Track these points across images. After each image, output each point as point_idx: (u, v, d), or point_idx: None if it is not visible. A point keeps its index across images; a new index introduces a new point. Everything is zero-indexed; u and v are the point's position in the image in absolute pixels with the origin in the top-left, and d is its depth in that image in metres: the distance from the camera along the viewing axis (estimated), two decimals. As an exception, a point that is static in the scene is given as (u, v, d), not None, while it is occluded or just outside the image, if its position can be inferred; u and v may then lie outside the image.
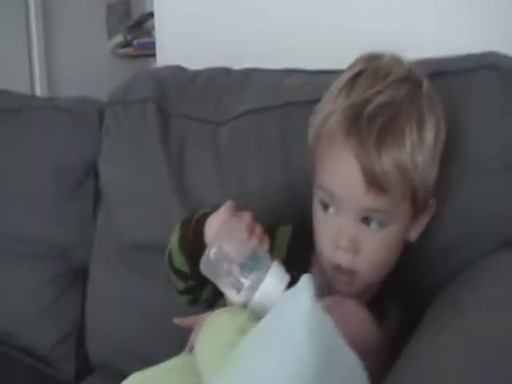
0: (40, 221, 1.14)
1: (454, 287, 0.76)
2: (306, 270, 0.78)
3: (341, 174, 0.69)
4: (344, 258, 0.71)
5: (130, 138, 1.03)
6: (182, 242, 0.78)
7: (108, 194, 1.07)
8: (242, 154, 0.93)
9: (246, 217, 0.70)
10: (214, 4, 1.65)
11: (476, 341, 0.60)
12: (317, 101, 0.76)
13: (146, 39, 2.79)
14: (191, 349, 0.70)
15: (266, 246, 0.70)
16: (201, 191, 0.94)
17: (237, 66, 1.10)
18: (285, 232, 0.82)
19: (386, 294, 0.78)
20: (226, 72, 1.03)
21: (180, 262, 0.79)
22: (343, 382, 0.52)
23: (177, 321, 0.75)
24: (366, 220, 0.70)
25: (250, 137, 0.93)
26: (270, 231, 0.81)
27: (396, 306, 0.78)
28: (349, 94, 0.70)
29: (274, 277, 0.67)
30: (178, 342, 0.77)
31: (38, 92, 2.53)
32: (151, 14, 2.26)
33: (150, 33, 2.73)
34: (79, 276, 1.14)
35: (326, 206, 0.72)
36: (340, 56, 0.77)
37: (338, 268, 0.72)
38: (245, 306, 0.67)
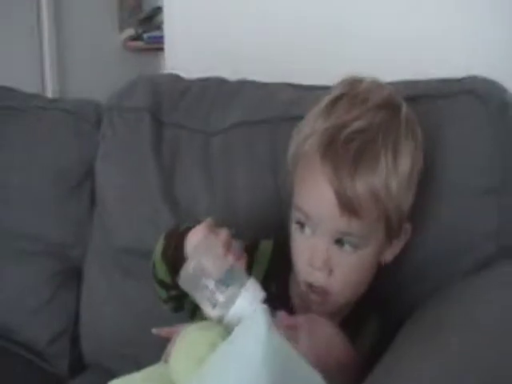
0: (38, 219, 1.17)
1: (429, 306, 0.77)
2: (285, 286, 0.82)
3: (316, 196, 0.71)
4: (317, 278, 0.73)
5: (124, 144, 1.06)
6: (165, 254, 0.80)
7: (102, 197, 1.10)
8: (231, 166, 0.95)
9: (224, 234, 0.72)
10: (221, 0, 1.67)
11: (447, 358, 0.62)
12: (302, 117, 0.78)
13: (156, 33, 2.81)
14: (167, 359, 0.73)
15: (243, 263, 0.71)
16: (190, 201, 0.97)
17: (244, 62, 1.11)
18: (266, 247, 0.85)
19: (365, 310, 0.80)
20: (220, 82, 1.05)
21: (162, 272, 0.81)
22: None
23: (155, 331, 0.78)
24: (339, 242, 0.72)
25: (239, 149, 0.95)
26: (252, 246, 0.84)
27: (375, 321, 0.80)
28: (327, 118, 0.71)
29: (249, 293, 0.69)
30: (167, 345, 0.79)
31: (49, 84, 2.56)
32: (162, 8, 2.28)
33: (160, 27, 2.75)
34: (75, 275, 1.17)
35: (302, 226, 0.74)
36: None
37: (311, 287, 0.74)
38: (220, 321, 0.70)
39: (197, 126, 1.01)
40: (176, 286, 0.78)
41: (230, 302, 0.69)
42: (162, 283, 0.83)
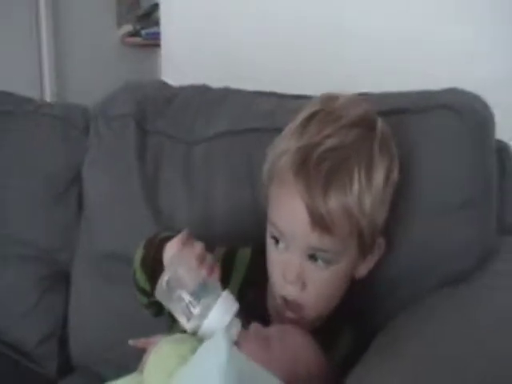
0: (27, 223, 1.18)
1: (402, 318, 0.78)
2: (262, 295, 0.83)
3: (288, 213, 0.72)
4: (290, 291, 0.74)
5: (110, 152, 1.07)
6: (144, 263, 0.81)
7: (88, 203, 1.11)
8: (210, 176, 0.96)
9: (198, 247, 0.73)
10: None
11: (416, 371, 0.63)
12: (283, 129, 0.78)
13: (154, 29, 2.80)
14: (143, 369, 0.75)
15: (216, 275, 0.72)
16: (171, 209, 0.98)
17: (240, 59, 1.10)
18: (244, 255, 0.86)
19: (338, 322, 0.80)
20: (204, 91, 1.06)
21: (142, 280, 0.83)
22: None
23: (131, 342, 0.79)
24: (313, 257, 0.73)
25: (219, 159, 0.96)
26: (230, 253, 0.85)
27: (348, 333, 0.81)
28: (301, 136, 0.72)
29: (223, 306, 0.70)
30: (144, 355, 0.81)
31: (47, 79, 2.57)
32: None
33: (158, 23, 2.75)
34: (63, 279, 1.18)
35: (276, 241, 0.75)
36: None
37: (285, 301, 0.75)
38: (195, 332, 0.71)
39: (180, 134, 1.02)
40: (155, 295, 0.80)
41: (204, 314, 0.70)
42: (142, 291, 0.84)
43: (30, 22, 2.49)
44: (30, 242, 1.18)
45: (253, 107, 0.98)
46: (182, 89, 1.08)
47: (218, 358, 0.50)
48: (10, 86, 1.35)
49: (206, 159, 0.98)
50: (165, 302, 0.73)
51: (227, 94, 1.03)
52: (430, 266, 0.81)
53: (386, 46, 1.32)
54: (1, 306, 1.18)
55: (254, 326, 0.73)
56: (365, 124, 0.73)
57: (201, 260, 0.71)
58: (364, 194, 0.70)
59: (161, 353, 0.66)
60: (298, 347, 0.72)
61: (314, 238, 0.71)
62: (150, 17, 2.88)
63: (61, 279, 1.18)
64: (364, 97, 0.81)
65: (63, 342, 1.17)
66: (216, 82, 1.09)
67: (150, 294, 0.83)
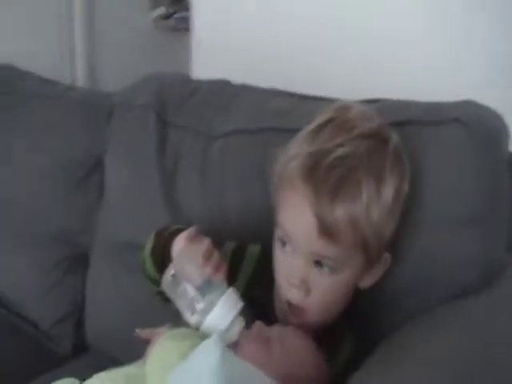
0: (48, 204, 1.22)
1: (406, 329, 0.78)
2: (269, 293, 0.84)
3: (296, 218, 0.73)
4: (294, 295, 0.75)
5: (130, 142, 1.09)
6: (154, 253, 0.83)
7: (108, 190, 1.14)
8: (225, 172, 0.97)
9: (205, 243, 0.74)
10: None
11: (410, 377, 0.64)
12: (296, 130, 0.79)
13: (187, 13, 2.81)
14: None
15: (222, 272, 0.74)
16: (187, 204, 0.99)
17: (267, 48, 1.10)
18: (253, 252, 0.87)
19: (340, 329, 0.81)
20: (223, 86, 1.06)
21: (151, 269, 0.84)
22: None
23: (137, 331, 0.81)
24: (318, 263, 0.73)
25: (233, 156, 0.97)
26: (240, 249, 0.87)
27: (350, 340, 0.81)
28: (313, 142, 0.72)
29: (226, 303, 0.72)
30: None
31: (80, 60, 2.60)
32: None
33: (188, 8, 2.75)
34: (83, 261, 1.21)
35: (283, 244, 0.76)
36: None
37: (289, 305, 0.76)
38: (198, 327, 0.73)
39: (201, 128, 1.02)
40: None
41: (207, 310, 0.71)
42: (151, 279, 0.86)
43: (62, 3, 2.51)
44: (52, 225, 1.21)
45: (266, 106, 0.98)
46: (203, 82, 1.09)
47: (209, 360, 0.51)
48: (41, 68, 1.38)
49: (222, 155, 0.98)
50: (170, 295, 0.75)
51: (244, 90, 1.04)
52: (435, 278, 0.81)
53: (385, 46, 1.30)
54: (21, 284, 1.23)
55: (257, 326, 0.75)
56: (378, 137, 0.73)
57: (207, 257, 0.73)
58: (372, 205, 0.70)
59: (162, 349, 0.68)
60: (298, 350, 0.73)
61: (320, 245, 0.71)
62: (183, 0, 2.88)
63: (81, 261, 1.21)
64: (377, 105, 0.81)
65: (79, 323, 1.20)
66: (243, 72, 1.10)
67: (158, 282, 0.85)
